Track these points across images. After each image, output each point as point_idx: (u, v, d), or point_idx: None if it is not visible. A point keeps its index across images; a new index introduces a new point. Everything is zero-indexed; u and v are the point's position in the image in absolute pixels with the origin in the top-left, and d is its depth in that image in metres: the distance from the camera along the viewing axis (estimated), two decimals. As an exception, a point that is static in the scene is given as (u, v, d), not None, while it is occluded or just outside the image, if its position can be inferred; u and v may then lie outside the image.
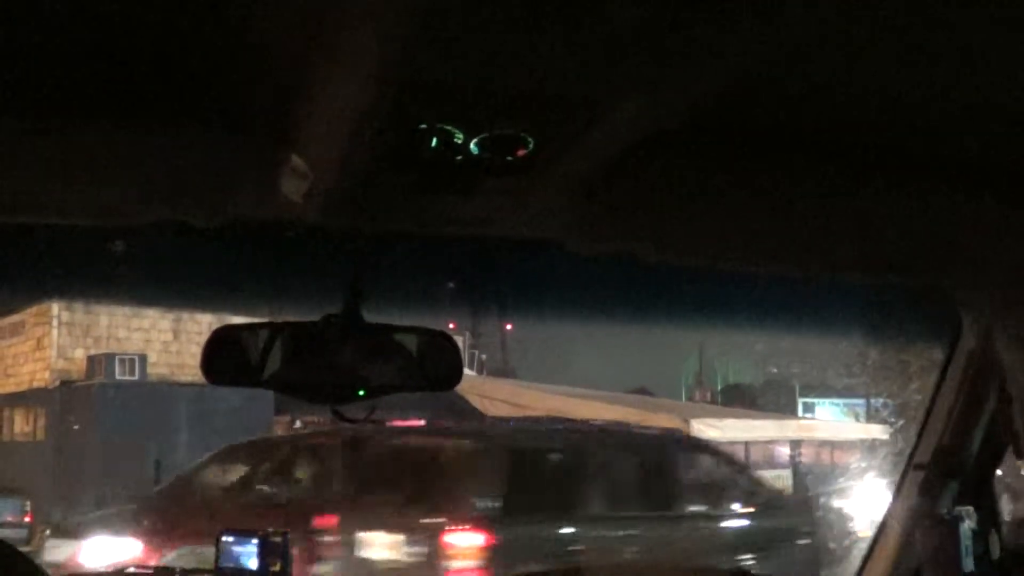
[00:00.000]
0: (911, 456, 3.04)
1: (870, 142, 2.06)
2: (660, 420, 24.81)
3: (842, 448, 28.59)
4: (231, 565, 2.88)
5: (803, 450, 27.79)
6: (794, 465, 26.11)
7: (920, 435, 3.03)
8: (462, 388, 26.02)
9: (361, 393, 2.41)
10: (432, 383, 2.61)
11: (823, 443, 28.66)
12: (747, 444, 25.73)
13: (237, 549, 2.87)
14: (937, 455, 2.91)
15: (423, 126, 1.80)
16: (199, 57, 1.80)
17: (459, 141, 1.83)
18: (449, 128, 1.80)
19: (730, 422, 25.84)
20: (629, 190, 2.10)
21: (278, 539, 2.89)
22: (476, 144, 1.84)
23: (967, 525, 2.85)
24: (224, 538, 2.89)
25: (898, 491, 3.09)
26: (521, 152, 1.86)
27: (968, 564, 2.82)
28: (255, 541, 2.86)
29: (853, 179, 2.17)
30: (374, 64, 1.62)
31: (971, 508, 2.87)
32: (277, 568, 2.88)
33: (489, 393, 27.00)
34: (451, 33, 1.56)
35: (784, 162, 2.11)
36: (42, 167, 2.02)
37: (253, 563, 2.85)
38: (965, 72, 1.85)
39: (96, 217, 2.28)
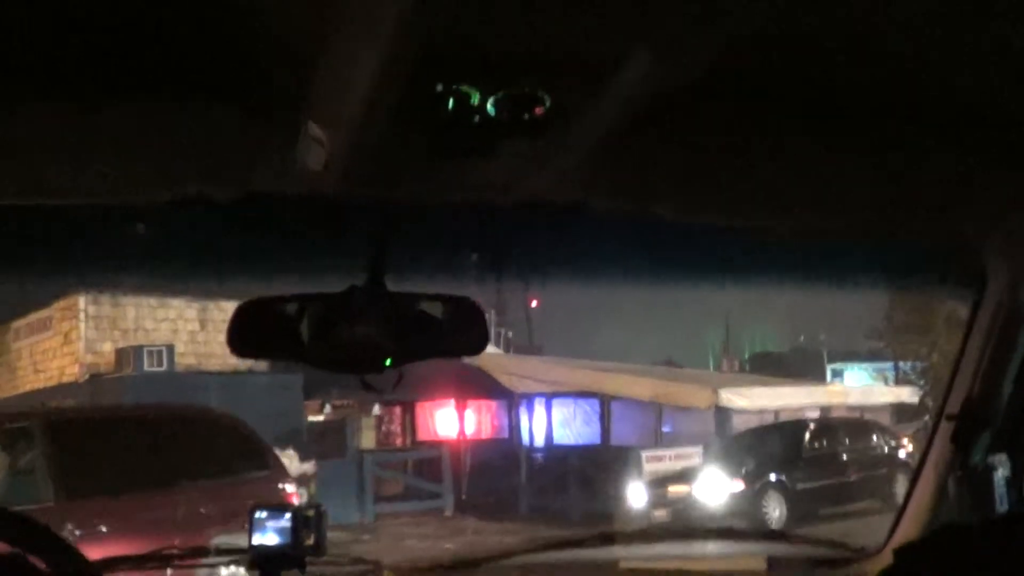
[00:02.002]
0: (942, 407, 3.02)
1: (892, 94, 2.05)
2: (689, 391, 24.88)
3: (872, 412, 28.54)
4: (264, 541, 2.87)
5: (833, 416, 27.74)
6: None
7: (950, 386, 3.02)
8: (488, 366, 26.23)
9: (388, 362, 2.40)
10: (459, 350, 2.61)
11: (852, 408, 28.59)
12: (776, 412, 25.71)
13: (271, 524, 2.87)
14: (968, 405, 2.90)
15: (439, 88, 1.79)
16: (212, 29, 1.79)
17: (475, 102, 1.82)
18: (465, 89, 1.79)
19: (759, 390, 25.85)
20: (648, 147, 2.09)
21: (312, 513, 2.89)
22: (493, 104, 1.83)
23: (1000, 473, 2.84)
24: (257, 514, 2.89)
25: (930, 442, 3.08)
26: (538, 111, 1.85)
27: (1002, 512, 2.81)
28: (288, 516, 2.86)
29: (875, 131, 2.16)
30: (388, 27, 1.61)
31: (1004, 456, 2.85)
32: (311, 543, 2.87)
33: (516, 370, 27.07)
34: None
35: (805, 116, 2.10)
36: (59, 147, 2.02)
37: (286, 538, 2.85)
38: (987, 21, 1.84)
39: (115, 196, 2.28)
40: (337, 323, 2.42)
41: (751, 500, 19.28)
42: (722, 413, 24.64)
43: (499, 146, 1.96)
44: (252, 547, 2.88)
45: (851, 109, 2.08)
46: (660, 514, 19.43)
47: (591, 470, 22.30)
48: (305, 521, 2.86)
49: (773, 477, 20.05)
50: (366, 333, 2.40)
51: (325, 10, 1.66)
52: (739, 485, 19.56)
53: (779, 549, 3.44)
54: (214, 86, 1.90)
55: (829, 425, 23.31)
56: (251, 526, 2.87)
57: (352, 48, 1.70)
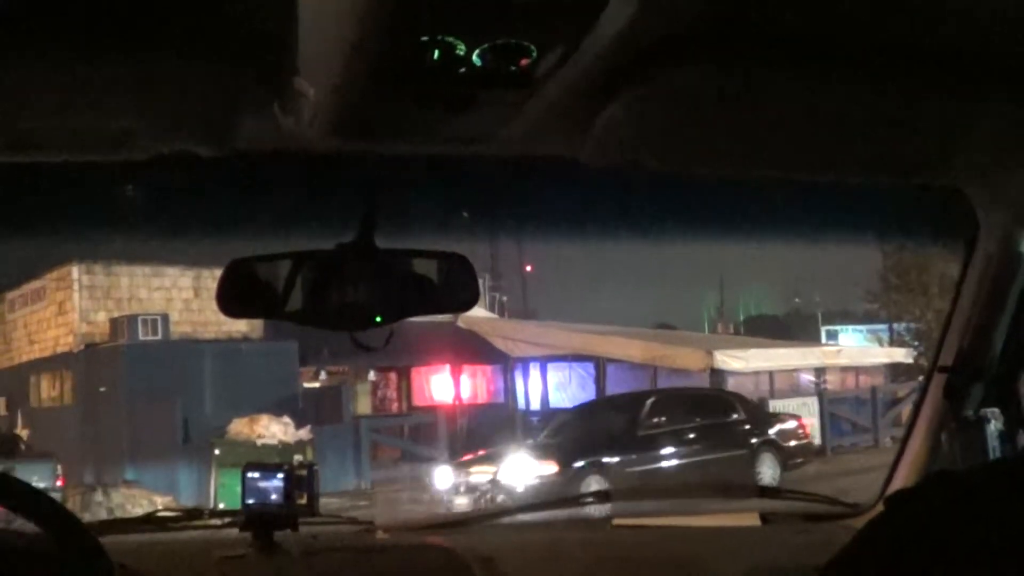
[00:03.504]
0: (935, 360, 3.02)
1: (882, 40, 2.02)
2: (684, 353, 24.98)
3: (867, 372, 28.67)
4: (257, 500, 2.88)
5: (828, 376, 27.81)
6: (819, 392, 26.15)
7: (943, 339, 3.02)
8: (484, 331, 26.35)
9: (378, 319, 2.40)
10: (449, 306, 2.61)
11: (847, 369, 28.73)
12: (771, 373, 25.83)
13: (263, 484, 2.87)
14: (960, 358, 2.90)
15: (424, 39, 1.78)
16: None
17: (461, 53, 1.81)
18: (450, 40, 1.78)
19: (754, 352, 25.97)
20: (636, 98, 2.08)
21: (304, 473, 2.90)
22: (478, 55, 1.81)
23: (993, 426, 2.84)
24: (249, 473, 2.89)
25: (923, 394, 3.08)
26: (524, 61, 1.84)
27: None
28: (280, 476, 2.87)
29: (866, 79, 2.14)
30: None
31: (997, 410, 2.86)
32: (303, 502, 2.88)
33: (512, 334, 27.18)
34: None
35: (794, 64, 2.08)
36: (44, 102, 2.00)
37: (279, 498, 2.86)
38: None
39: (101, 152, 2.26)
40: (326, 281, 2.42)
41: (564, 485, 16.43)
42: (717, 375, 24.73)
43: (486, 97, 1.95)
44: (245, 507, 2.89)
45: (841, 58, 2.07)
46: (461, 502, 16.90)
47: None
48: (298, 481, 2.87)
49: (594, 458, 17.78)
50: (355, 291, 2.40)
51: None
52: (551, 467, 17.30)
53: (772, 505, 3.45)
54: (196, 42, 1.88)
55: (677, 398, 21.25)
56: (244, 486, 2.88)
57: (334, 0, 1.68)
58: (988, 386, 2.87)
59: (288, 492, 2.85)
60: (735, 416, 20.41)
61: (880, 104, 2.24)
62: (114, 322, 25.21)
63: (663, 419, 19.39)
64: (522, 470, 17.28)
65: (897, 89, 2.18)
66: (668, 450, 18.65)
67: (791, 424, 21.30)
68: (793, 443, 20.64)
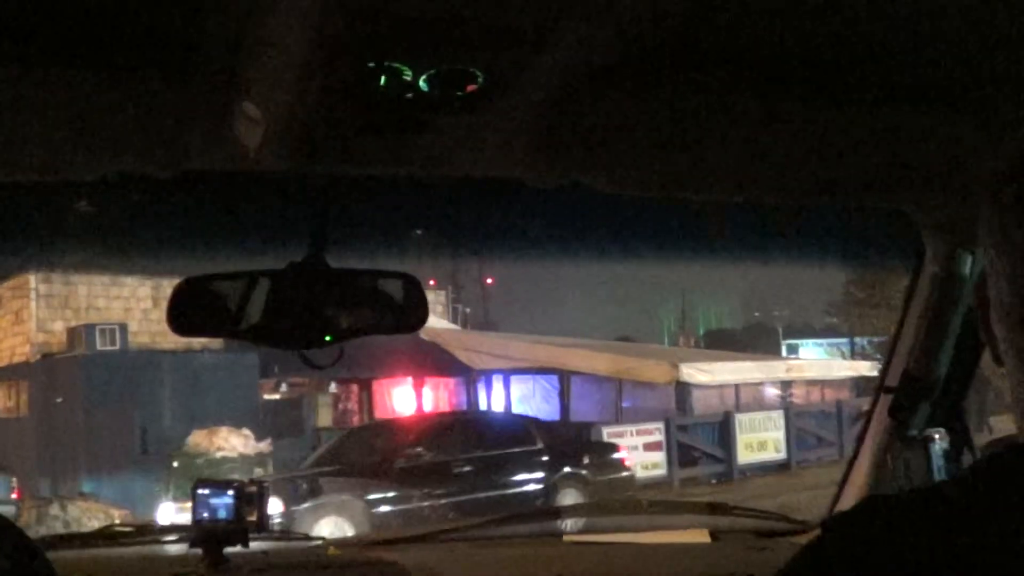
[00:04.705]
0: (881, 380, 3.06)
1: (827, 64, 2.05)
2: (650, 366, 24.96)
3: (832, 386, 28.73)
4: (207, 516, 2.89)
5: (793, 390, 27.86)
6: (784, 406, 26.19)
7: (889, 359, 3.05)
8: (446, 342, 26.28)
9: (328, 338, 2.41)
10: (399, 326, 2.62)
11: (812, 382, 28.78)
12: (737, 387, 25.85)
13: (213, 501, 2.88)
14: (906, 379, 2.93)
15: (371, 65, 1.79)
16: (144, 6, 1.79)
17: (408, 79, 1.83)
18: (397, 66, 1.80)
19: (720, 365, 25.99)
20: (583, 121, 2.10)
21: (254, 488, 2.91)
22: (425, 81, 1.83)
23: (938, 446, 2.87)
24: (199, 490, 2.91)
25: (870, 415, 3.12)
26: (471, 87, 1.86)
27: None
28: (231, 492, 2.88)
29: (811, 103, 2.17)
30: (316, 3, 1.61)
31: (943, 430, 2.89)
32: (253, 518, 2.89)
33: (474, 346, 27.12)
34: None
35: (741, 87, 2.10)
36: None
37: (229, 514, 2.87)
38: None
39: (46, 172, 2.27)
40: (277, 300, 2.43)
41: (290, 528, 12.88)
42: (683, 388, 24.72)
43: (434, 122, 1.98)
44: (195, 523, 2.90)
45: (788, 82, 2.09)
46: None
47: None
48: (248, 498, 2.88)
49: (335, 496, 15.29)
50: (305, 309, 2.42)
51: None
52: (275, 507, 13.48)
53: (722, 522, 3.47)
54: (147, 63, 1.89)
55: (457, 424, 19.30)
56: (194, 503, 2.89)
57: (282, 24, 1.69)
58: (933, 406, 2.91)
59: (238, 508, 2.87)
60: (530, 447, 18.08)
61: (825, 127, 2.27)
62: (71, 332, 25.03)
63: (432, 450, 17.04)
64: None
65: (842, 113, 2.21)
66: (434, 488, 15.99)
67: (611, 455, 19.51)
68: (608, 477, 18.37)
